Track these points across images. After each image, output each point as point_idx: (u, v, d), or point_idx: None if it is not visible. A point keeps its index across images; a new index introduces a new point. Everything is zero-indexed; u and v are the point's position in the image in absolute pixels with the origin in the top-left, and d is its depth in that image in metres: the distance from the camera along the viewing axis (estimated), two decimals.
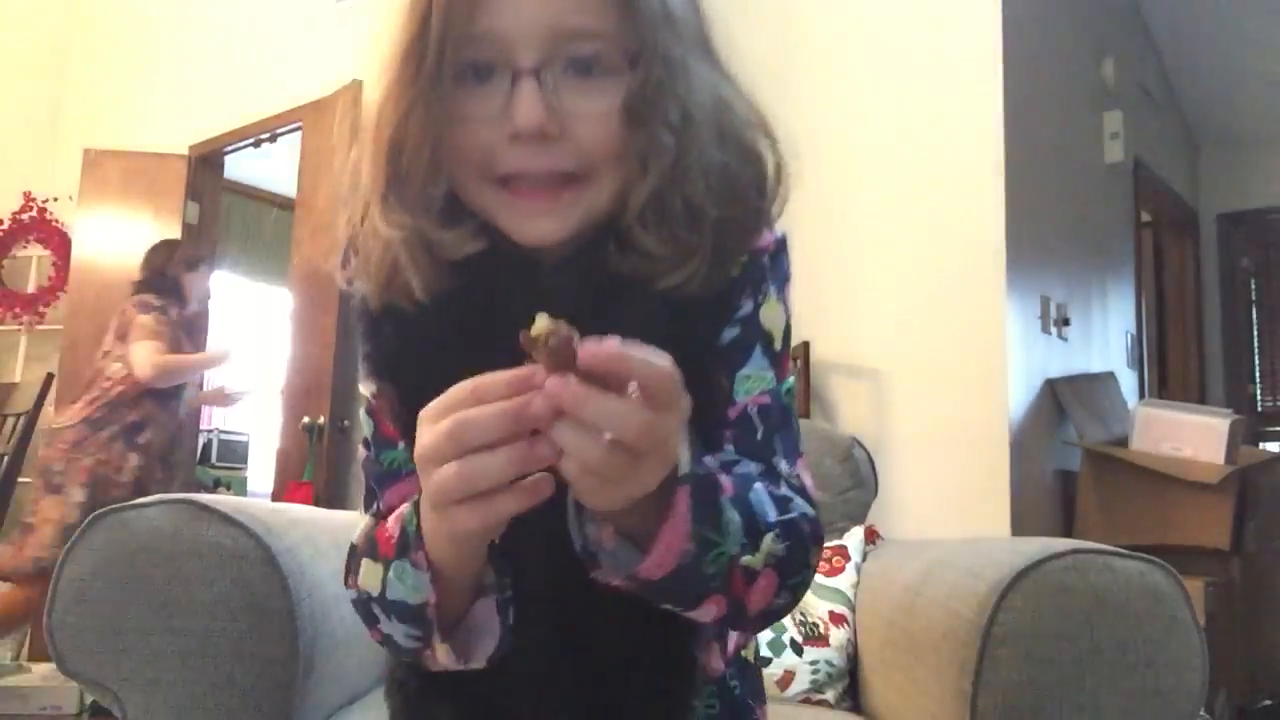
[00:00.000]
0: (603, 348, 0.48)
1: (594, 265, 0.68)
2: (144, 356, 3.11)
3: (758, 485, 0.64)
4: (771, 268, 0.73)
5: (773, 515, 0.63)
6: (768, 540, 0.62)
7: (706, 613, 0.61)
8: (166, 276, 3.35)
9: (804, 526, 0.65)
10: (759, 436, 0.70)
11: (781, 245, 0.75)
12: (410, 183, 0.67)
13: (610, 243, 0.68)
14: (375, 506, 0.73)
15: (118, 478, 3.06)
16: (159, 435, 3.17)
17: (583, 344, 0.48)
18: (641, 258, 0.68)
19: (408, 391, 0.68)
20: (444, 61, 0.65)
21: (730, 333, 0.71)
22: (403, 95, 0.66)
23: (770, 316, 0.72)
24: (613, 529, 0.58)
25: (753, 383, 0.71)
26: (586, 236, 0.69)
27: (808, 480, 0.72)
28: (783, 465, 0.70)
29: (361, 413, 0.76)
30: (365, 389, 0.74)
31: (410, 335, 0.70)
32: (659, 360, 0.49)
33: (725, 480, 0.60)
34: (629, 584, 0.58)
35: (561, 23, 0.65)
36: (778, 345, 0.72)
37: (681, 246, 0.68)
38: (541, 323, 0.49)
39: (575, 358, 0.48)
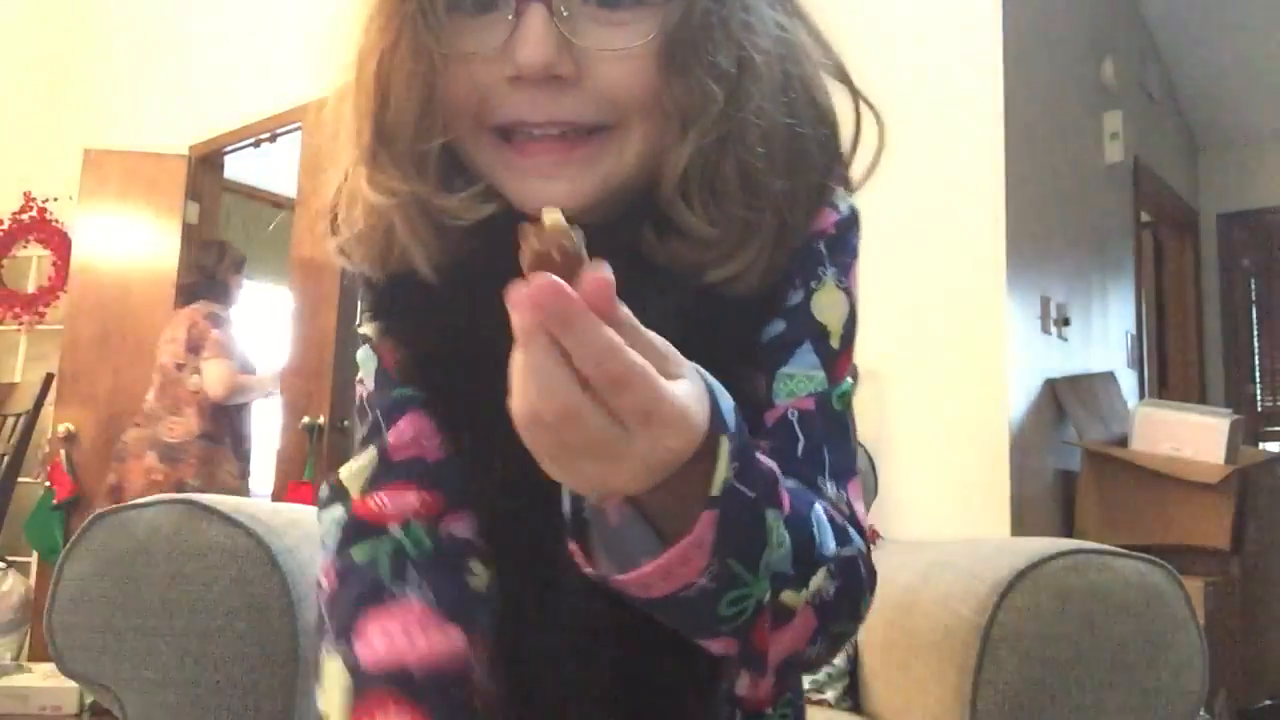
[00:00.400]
0: (613, 307, 0.38)
1: (623, 249, 0.52)
2: (218, 375, 3.21)
3: (819, 505, 0.52)
4: (834, 248, 0.61)
5: (832, 547, 0.51)
6: (819, 576, 0.50)
7: (706, 645, 0.49)
8: (217, 281, 3.39)
9: (860, 568, 0.54)
10: (800, 450, 0.57)
11: (850, 221, 0.63)
12: (400, 136, 0.56)
13: (646, 223, 0.57)
14: (381, 439, 0.63)
15: (237, 486, 3.21)
16: (249, 443, 3.34)
17: (591, 274, 0.38)
18: (684, 241, 0.56)
19: (424, 363, 0.60)
20: None
21: (774, 327, 0.59)
22: (386, 25, 0.55)
23: (827, 305, 0.60)
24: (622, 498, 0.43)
25: (797, 383, 0.58)
26: (615, 211, 0.57)
27: (859, 508, 0.58)
28: (829, 488, 0.57)
29: (361, 353, 0.67)
30: (367, 329, 0.65)
31: (421, 309, 0.60)
32: (674, 389, 0.39)
33: (784, 492, 0.48)
34: (600, 578, 0.45)
35: None
36: (834, 341, 0.60)
37: (736, 227, 0.56)
38: (552, 217, 0.39)
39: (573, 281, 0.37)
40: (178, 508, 0.95)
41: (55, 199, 4.47)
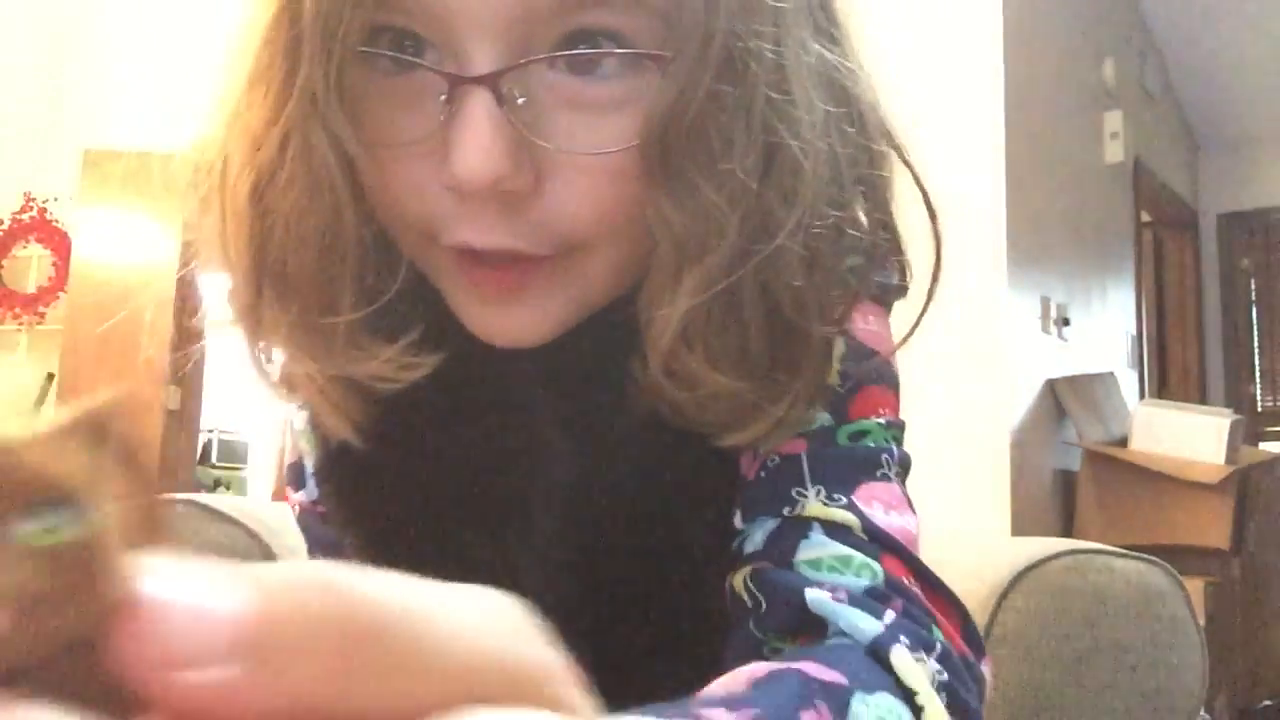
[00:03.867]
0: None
1: (598, 397, 0.42)
2: None
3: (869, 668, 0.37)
4: None
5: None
6: None
7: None
8: None
9: (963, 685, 0.40)
10: (776, 489, 0.45)
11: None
12: (296, 287, 0.40)
13: (635, 359, 0.42)
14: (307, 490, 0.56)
15: None
16: None
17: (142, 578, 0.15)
18: (685, 394, 0.41)
19: (370, 540, 0.47)
20: (336, 28, 0.37)
21: None
22: (269, 107, 0.39)
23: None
24: None
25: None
26: (594, 335, 0.43)
27: (879, 515, 0.45)
28: (812, 500, 0.44)
29: (294, 519, 0.59)
30: (299, 497, 0.55)
31: (361, 486, 0.47)
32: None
33: None
34: None
35: None
36: (831, 377, 0.45)
37: (758, 384, 0.41)
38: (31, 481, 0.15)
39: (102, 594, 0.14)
40: (178, 507, 0.95)
41: (55, 199, 4.47)
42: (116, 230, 4.16)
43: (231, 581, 0.15)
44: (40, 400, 3.35)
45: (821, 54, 0.42)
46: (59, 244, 4.45)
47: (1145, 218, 4.40)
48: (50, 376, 3.51)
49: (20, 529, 0.14)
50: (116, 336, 3.98)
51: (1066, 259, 3.14)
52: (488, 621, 0.15)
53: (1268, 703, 2.86)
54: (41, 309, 4.43)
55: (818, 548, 0.42)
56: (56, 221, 4.48)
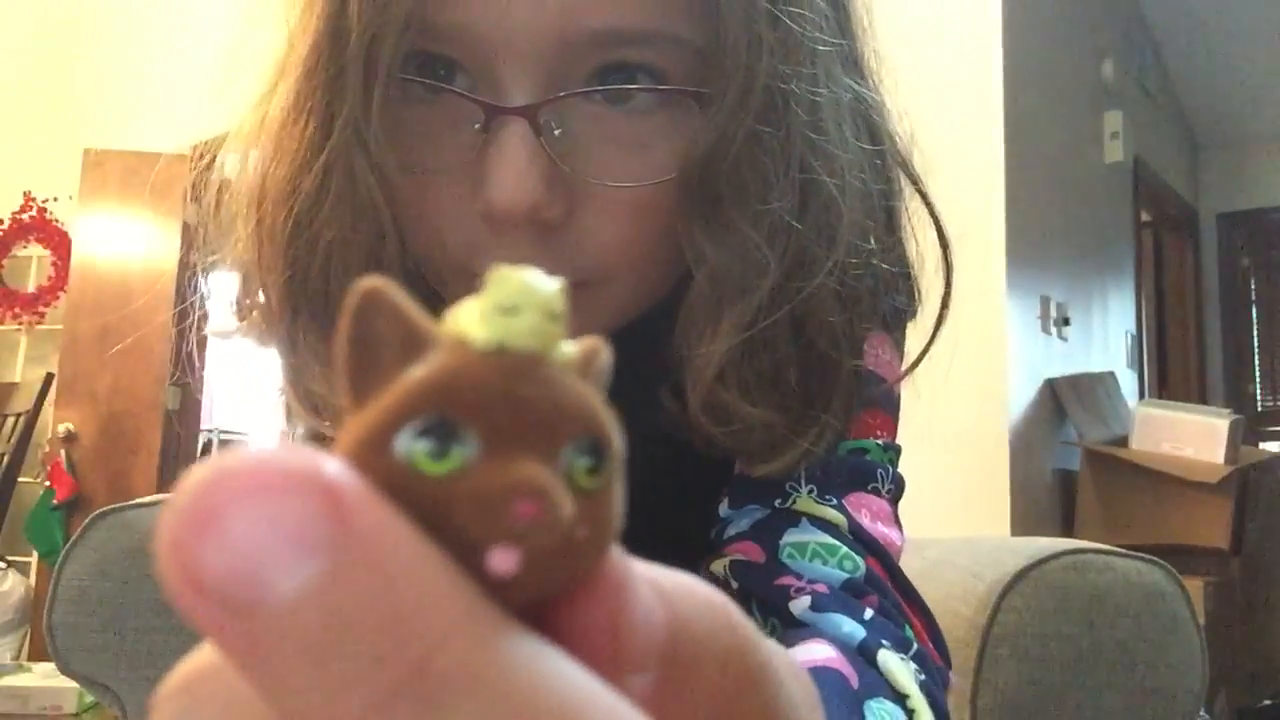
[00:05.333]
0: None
1: (629, 408, 0.35)
2: None
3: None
4: None
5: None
6: None
7: None
8: None
9: (938, 695, 0.39)
10: (768, 483, 0.45)
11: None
12: (330, 309, 0.39)
13: (664, 389, 0.42)
14: None
15: None
16: None
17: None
18: (719, 428, 0.41)
19: None
20: (378, 59, 0.37)
21: None
22: (311, 139, 0.39)
23: None
24: None
25: None
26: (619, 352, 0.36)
27: (865, 521, 0.44)
28: (804, 496, 0.44)
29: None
30: None
31: None
32: None
33: None
34: None
35: (582, 22, 0.38)
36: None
37: (791, 417, 0.42)
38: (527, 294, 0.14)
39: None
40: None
41: (55, 199, 4.47)
42: (116, 230, 4.16)
43: (652, 581, 0.14)
44: (40, 400, 3.35)
45: (855, 89, 0.43)
46: (59, 244, 4.45)
47: (1145, 218, 4.40)
48: (50, 376, 3.51)
49: (575, 462, 0.14)
50: (116, 336, 3.98)
51: (1066, 259, 3.14)
52: (809, 698, 0.17)
53: (1268, 703, 2.86)
54: (41, 309, 4.43)
55: (805, 534, 0.43)
56: (56, 221, 4.48)
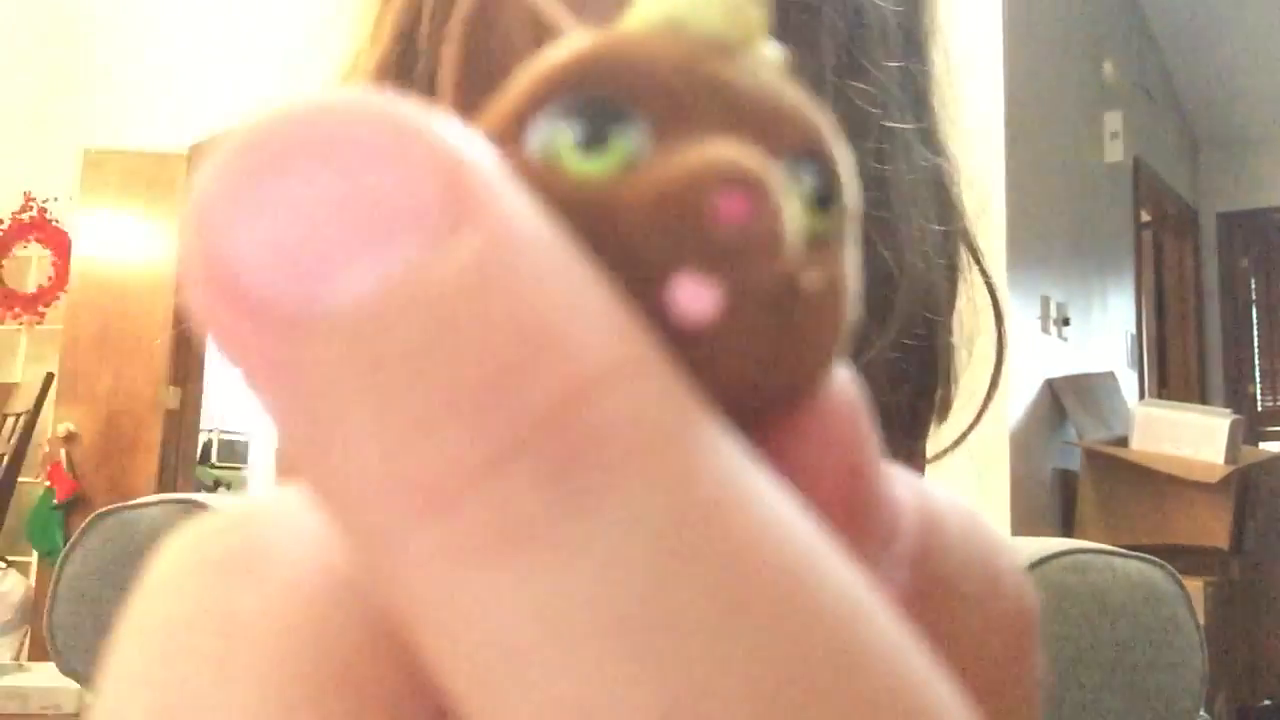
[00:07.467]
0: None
1: None
2: None
3: None
4: None
5: None
6: None
7: None
8: None
9: None
10: None
11: None
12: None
13: None
14: None
15: None
16: None
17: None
18: None
19: None
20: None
21: None
22: None
23: None
24: None
25: None
26: None
27: None
28: None
29: None
30: None
31: None
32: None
33: None
34: None
35: None
36: None
37: None
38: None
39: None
40: (178, 507, 0.95)
41: (55, 199, 4.47)
42: (116, 230, 4.16)
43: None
44: (40, 399, 3.35)
45: (931, 161, 0.41)
46: (59, 244, 4.45)
47: (1145, 218, 4.40)
48: (50, 376, 3.51)
49: (792, 178, 0.09)
50: (116, 336, 3.98)
51: (1066, 259, 3.14)
52: None
53: (1268, 702, 2.86)
54: (41, 309, 4.43)
55: None
56: (56, 221, 4.48)
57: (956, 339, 0.46)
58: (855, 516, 0.10)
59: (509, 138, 0.09)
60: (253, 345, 0.08)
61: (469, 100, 0.10)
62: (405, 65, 0.37)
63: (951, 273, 0.44)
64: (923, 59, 0.43)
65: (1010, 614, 0.11)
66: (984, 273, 0.47)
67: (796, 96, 0.10)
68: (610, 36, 0.09)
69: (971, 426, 0.49)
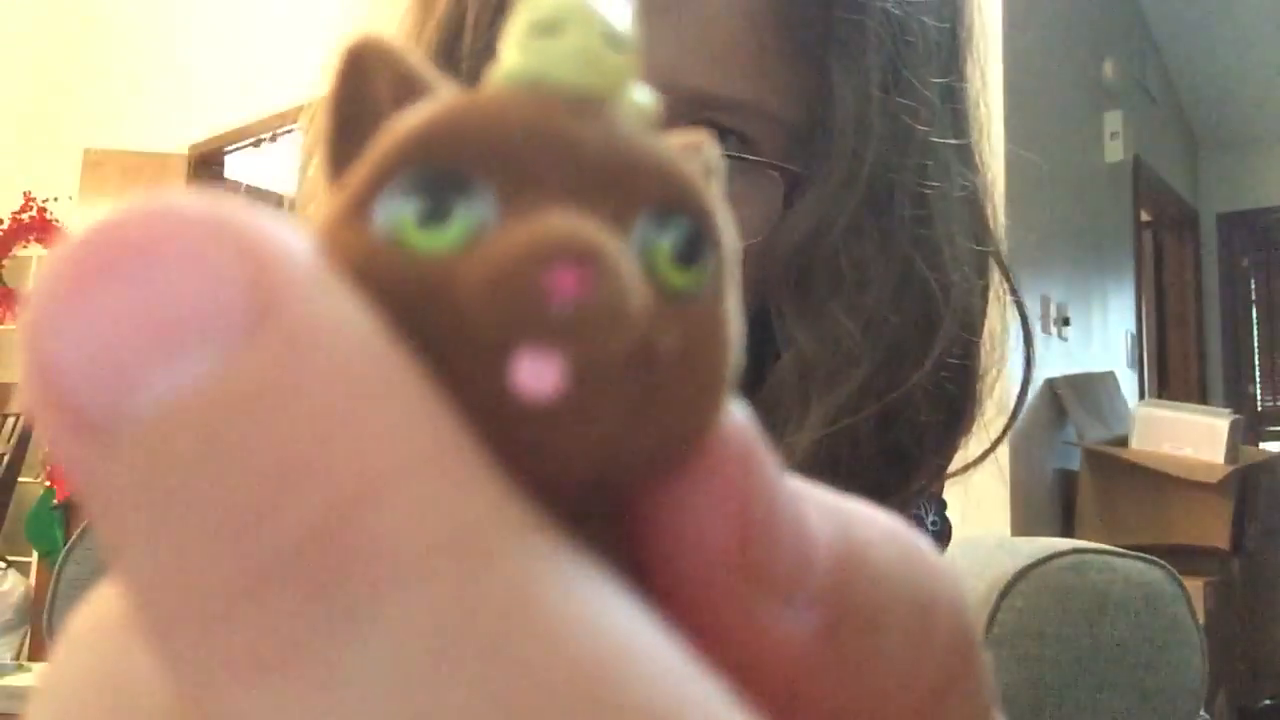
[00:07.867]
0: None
1: None
2: None
3: None
4: None
5: None
6: None
7: None
8: None
9: None
10: None
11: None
12: None
13: None
14: None
15: None
16: None
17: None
18: None
19: None
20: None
21: None
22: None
23: None
24: None
25: None
26: None
27: None
28: None
29: None
30: None
31: None
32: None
33: None
34: None
35: (680, 81, 0.37)
36: None
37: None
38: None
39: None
40: None
41: (55, 199, 4.47)
42: None
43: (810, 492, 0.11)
44: None
45: (968, 181, 0.41)
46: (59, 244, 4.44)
47: (1145, 218, 4.40)
48: None
49: (655, 241, 0.09)
50: None
51: (1066, 259, 3.14)
52: None
53: (1267, 702, 2.86)
54: None
55: None
56: (56, 221, 4.48)
57: (985, 360, 0.45)
58: (749, 566, 0.10)
59: (356, 216, 0.09)
60: (71, 452, 0.08)
61: (342, 169, 0.10)
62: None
63: (985, 293, 0.44)
64: (962, 75, 0.44)
65: (945, 640, 0.11)
66: (1014, 292, 0.46)
67: (657, 149, 0.10)
68: (460, 101, 0.09)
69: (996, 443, 0.49)
